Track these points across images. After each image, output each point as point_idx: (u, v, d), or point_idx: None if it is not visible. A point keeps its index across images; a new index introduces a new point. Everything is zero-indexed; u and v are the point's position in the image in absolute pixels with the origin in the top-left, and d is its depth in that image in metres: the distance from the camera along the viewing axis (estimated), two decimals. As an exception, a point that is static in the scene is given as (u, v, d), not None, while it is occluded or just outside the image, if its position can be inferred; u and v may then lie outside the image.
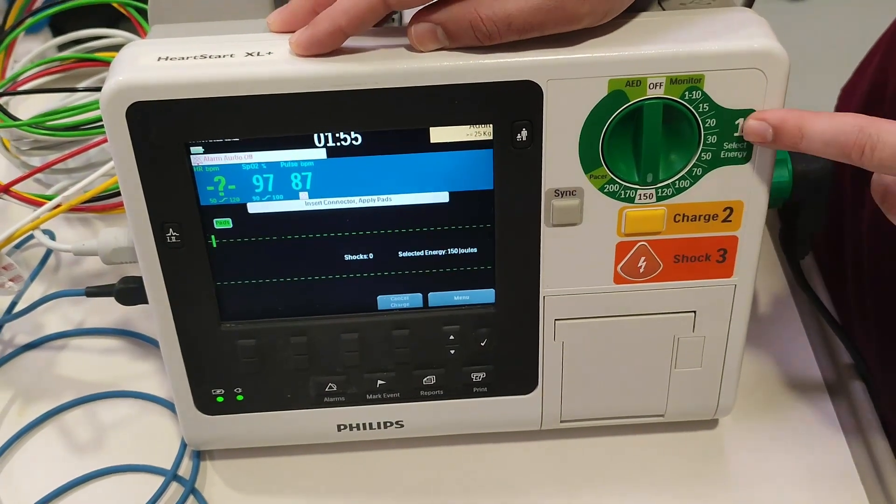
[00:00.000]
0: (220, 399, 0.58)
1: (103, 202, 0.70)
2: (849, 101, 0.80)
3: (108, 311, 0.70)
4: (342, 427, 0.60)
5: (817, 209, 0.58)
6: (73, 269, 0.74)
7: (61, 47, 0.83)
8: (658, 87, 0.49)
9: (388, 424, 0.60)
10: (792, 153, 0.56)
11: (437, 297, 0.56)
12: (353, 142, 0.51)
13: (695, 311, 0.57)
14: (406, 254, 0.54)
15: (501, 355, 0.58)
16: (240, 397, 0.58)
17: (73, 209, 0.66)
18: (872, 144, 0.47)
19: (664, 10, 0.52)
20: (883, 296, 0.72)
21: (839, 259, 0.79)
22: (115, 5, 0.80)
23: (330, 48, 0.48)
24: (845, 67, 0.85)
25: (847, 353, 0.65)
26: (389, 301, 0.56)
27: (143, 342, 0.69)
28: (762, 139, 0.50)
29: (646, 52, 0.49)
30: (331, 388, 0.58)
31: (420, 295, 0.56)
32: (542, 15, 0.47)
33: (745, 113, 0.50)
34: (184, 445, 0.62)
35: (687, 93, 0.49)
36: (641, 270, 0.55)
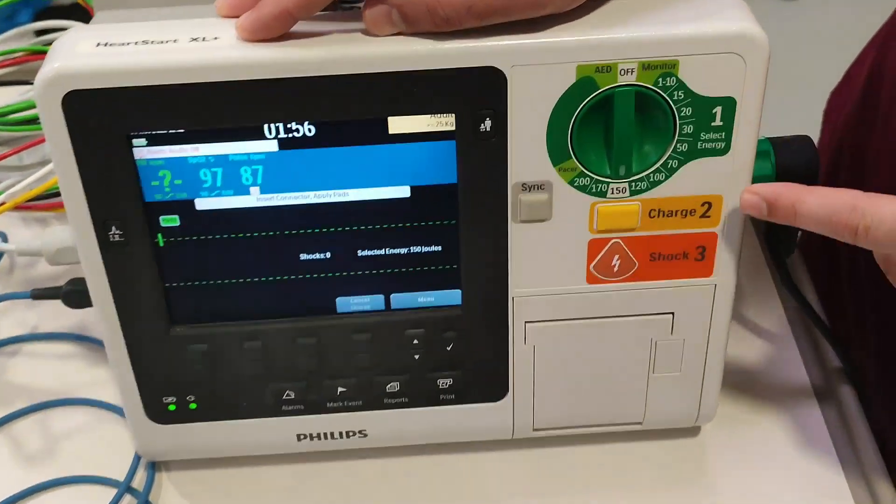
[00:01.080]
0: (172, 407, 0.55)
1: (54, 199, 0.66)
2: (838, 105, 0.78)
3: (63, 314, 0.67)
4: (302, 437, 0.57)
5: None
6: (28, 272, 0.71)
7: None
8: (630, 74, 0.46)
9: (351, 434, 0.57)
10: (775, 143, 0.53)
11: (399, 299, 0.53)
12: (307, 133, 0.48)
13: (673, 313, 0.54)
14: (366, 252, 0.51)
15: (469, 360, 0.55)
16: (193, 405, 0.55)
17: (29, 208, 0.64)
18: (866, 224, 0.46)
19: None
20: (882, 298, 0.70)
21: (833, 259, 0.76)
22: (79, 2, 0.78)
23: (277, 32, 0.45)
24: (839, 67, 0.83)
25: (837, 357, 0.63)
26: (349, 303, 0.53)
27: (99, 347, 0.66)
28: (758, 213, 0.49)
29: (616, 36, 0.46)
30: (289, 395, 0.55)
31: (382, 296, 0.53)
32: None
33: (724, 101, 0.47)
34: (139, 456, 0.59)
35: (660, 79, 0.46)
36: (615, 269, 0.52)
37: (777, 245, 0.58)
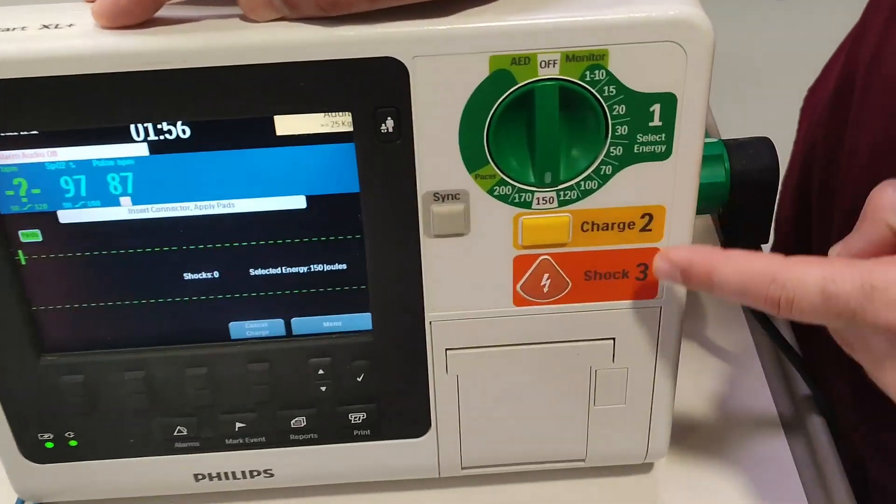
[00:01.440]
0: (49, 445, 0.49)
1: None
2: (814, 103, 0.72)
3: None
4: (200, 477, 0.50)
5: (762, 217, 0.48)
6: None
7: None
8: (551, 66, 0.40)
9: (255, 473, 0.50)
10: (729, 146, 0.46)
11: (301, 324, 0.47)
12: (180, 134, 0.41)
13: (614, 339, 0.47)
14: (260, 271, 0.45)
15: (384, 392, 0.48)
16: (73, 443, 0.49)
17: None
18: (788, 297, 0.39)
19: None
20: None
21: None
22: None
23: (138, 18, 0.39)
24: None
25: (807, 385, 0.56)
26: (244, 329, 0.47)
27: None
28: (674, 281, 0.44)
29: (534, 21, 0.39)
30: (180, 431, 0.49)
31: (281, 321, 0.47)
32: None
33: (662, 97, 0.41)
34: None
35: (588, 72, 0.40)
36: (546, 290, 0.46)
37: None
